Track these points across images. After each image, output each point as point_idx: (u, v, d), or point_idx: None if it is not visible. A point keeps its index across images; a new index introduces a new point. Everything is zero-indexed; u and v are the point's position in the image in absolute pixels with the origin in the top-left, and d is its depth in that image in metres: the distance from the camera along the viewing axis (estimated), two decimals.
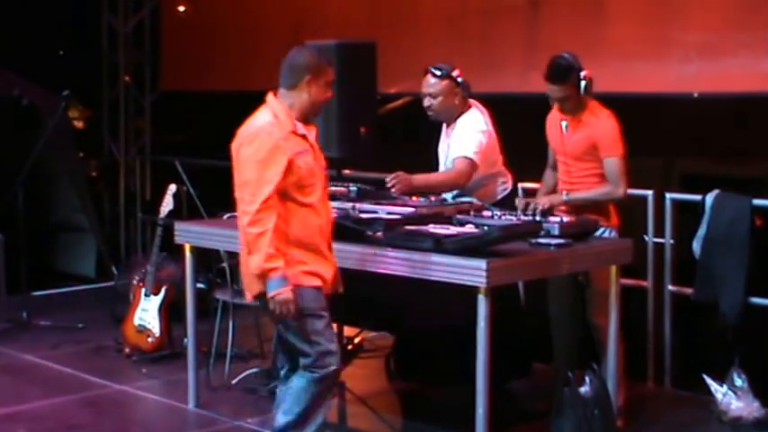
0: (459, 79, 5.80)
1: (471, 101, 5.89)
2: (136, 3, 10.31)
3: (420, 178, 5.72)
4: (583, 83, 5.42)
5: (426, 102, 5.84)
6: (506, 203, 5.78)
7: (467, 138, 5.75)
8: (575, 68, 5.43)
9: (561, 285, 5.73)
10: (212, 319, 6.74)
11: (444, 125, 5.97)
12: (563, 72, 5.43)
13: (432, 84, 5.79)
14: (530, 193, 6.48)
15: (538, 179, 6.74)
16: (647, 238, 6.42)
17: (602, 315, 5.54)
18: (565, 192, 5.58)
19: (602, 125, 5.49)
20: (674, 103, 6.68)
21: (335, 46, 6.27)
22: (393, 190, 5.64)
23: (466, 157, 5.69)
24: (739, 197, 6.07)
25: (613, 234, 5.58)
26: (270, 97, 4.67)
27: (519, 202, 5.72)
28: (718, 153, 6.70)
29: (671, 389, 6.44)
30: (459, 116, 5.84)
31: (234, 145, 4.62)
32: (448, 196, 5.88)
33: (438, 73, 5.78)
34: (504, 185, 5.95)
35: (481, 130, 5.78)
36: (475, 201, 5.72)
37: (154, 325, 7.08)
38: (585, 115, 5.53)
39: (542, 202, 5.54)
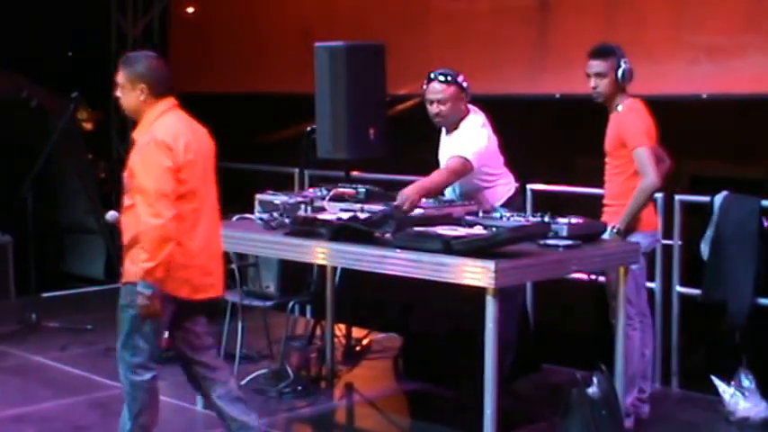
0: (465, 84, 5.79)
1: (469, 105, 5.87)
2: (145, 4, 10.34)
3: (419, 188, 5.48)
4: (622, 68, 5.49)
5: (435, 108, 5.77)
6: (512, 204, 5.78)
7: (468, 139, 5.72)
8: (618, 53, 5.54)
9: None
10: (221, 320, 6.74)
11: (444, 131, 5.95)
12: (605, 50, 5.55)
13: (439, 90, 5.74)
14: (537, 194, 6.50)
15: (545, 180, 6.75)
16: None
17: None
18: (611, 226, 5.43)
19: (626, 118, 5.51)
20: (683, 105, 6.68)
21: (345, 48, 6.28)
22: (405, 209, 5.38)
23: (460, 156, 5.64)
24: (748, 198, 6.07)
25: (654, 239, 5.56)
26: None
27: None
28: (727, 154, 6.69)
29: (678, 389, 6.44)
30: (460, 121, 5.83)
31: None
32: (451, 197, 5.89)
33: (445, 79, 5.74)
34: (508, 186, 5.95)
35: (482, 133, 5.76)
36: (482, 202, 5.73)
37: None
38: (619, 111, 5.55)
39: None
